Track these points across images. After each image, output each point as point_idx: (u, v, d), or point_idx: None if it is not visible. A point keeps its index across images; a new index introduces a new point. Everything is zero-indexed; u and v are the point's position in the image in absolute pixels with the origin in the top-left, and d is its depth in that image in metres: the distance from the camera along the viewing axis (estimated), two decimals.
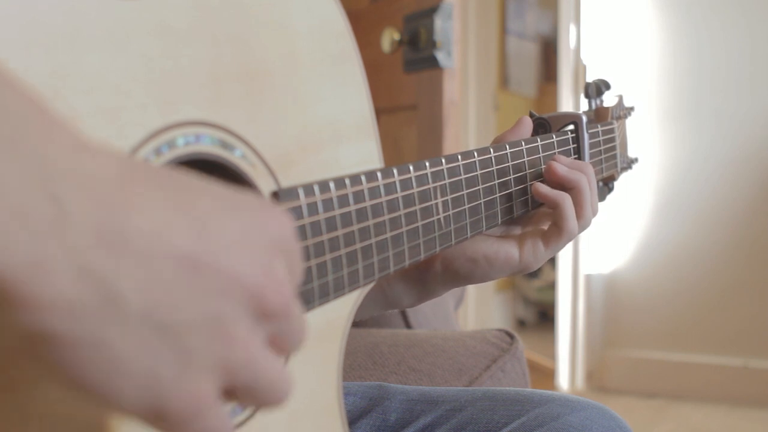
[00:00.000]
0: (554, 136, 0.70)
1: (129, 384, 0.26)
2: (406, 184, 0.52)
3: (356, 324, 0.67)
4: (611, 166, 0.82)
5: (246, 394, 0.30)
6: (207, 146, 0.40)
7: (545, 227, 0.66)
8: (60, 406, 0.31)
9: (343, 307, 0.50)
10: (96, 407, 0.28)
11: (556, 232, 0.64)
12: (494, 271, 0.64)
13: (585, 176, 0.65)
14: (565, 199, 0.63)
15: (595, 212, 0.66)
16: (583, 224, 0.65)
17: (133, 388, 0.26)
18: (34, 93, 0.26)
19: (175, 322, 0.27)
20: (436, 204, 0.55)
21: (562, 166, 0.64)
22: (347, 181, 0.46)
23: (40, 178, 0.24)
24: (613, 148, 0.82)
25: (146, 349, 0.26)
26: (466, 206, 0.58)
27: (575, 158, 0.72)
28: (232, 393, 0.30)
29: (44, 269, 0.24)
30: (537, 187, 0.64)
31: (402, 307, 0.68)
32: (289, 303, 0.30)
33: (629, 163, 0.89)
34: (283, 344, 0.31)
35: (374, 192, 0.48)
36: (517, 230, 0.67)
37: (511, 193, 0.64)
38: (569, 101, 2.75)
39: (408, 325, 1.23)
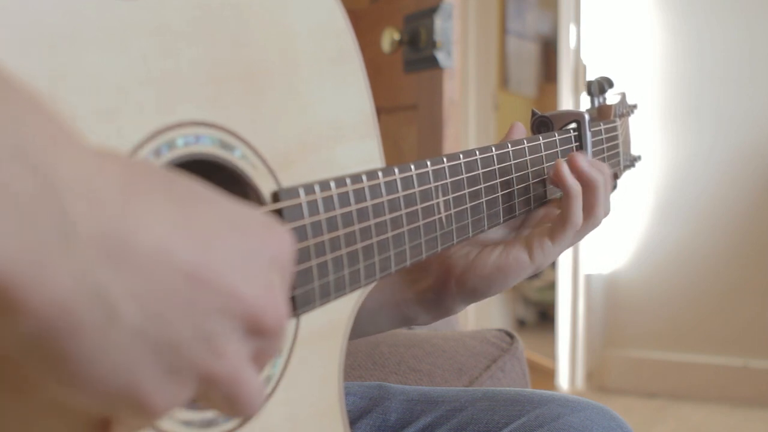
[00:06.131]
0: (556, 135, 0.69)
1: (103, 386, 0.26)
2: (407, 183, 0.51)
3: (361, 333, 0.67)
4: (614, 164, 0.82)
5: (221, 403, 0.30)
6: (207, 147, 0.40)
7: (549, 225, 0.65)
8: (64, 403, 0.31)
9: (345, 307, 0.50)
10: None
11: (561, 224, 0.63)
12: (510, 279, 0.64)
13: (603, 176, 0.64)
14: (579, 191, 0.63)
15: (606, 212, 0.66)
16: (593, 222, 0.64)
17: (107, 389, 0.26)
18: (38, 97, 0.26)
19: (167, 340, 0.27)
20: (438, 203, 0.55)
21: (585, 162, 0.63)
22: (348, 181, 0.46)
23: (47, 188, 0.25)
24: (616, 146, 0.82)
25: (131, 361, 0.26)
26: (468, 205, 0.58)
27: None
28: (204, 395, 0.30)
29: (47, 277, 0.24)
30: (560, 170, 0.62)
31: (420, 324, 0.68)
32: (284, 323, 0.31)
33: (632, 161, 0.88)
34: (263, 360, 0.32)
35: (375, 191, 0.48)
36: (524, 233, 0.67)
37: (513, 191, 0.64)
38: (569, 101, 2.75)
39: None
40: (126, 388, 0.27)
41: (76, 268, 0.25)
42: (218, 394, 0.30)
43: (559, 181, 0.63)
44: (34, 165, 0.24)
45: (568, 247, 0.65)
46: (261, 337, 0.30)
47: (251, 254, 0.30)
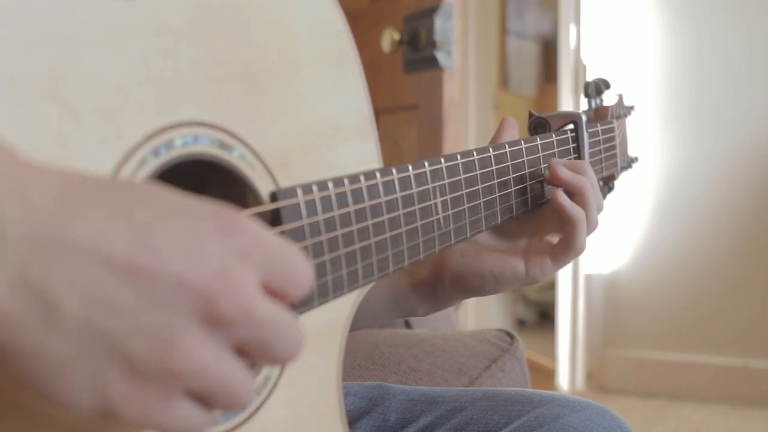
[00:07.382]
0: (554, 136, 0.70)
1: (76, 389, 0.26)
2: (405, 184, 0.51)
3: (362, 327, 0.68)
4: (611, 165, 0.82)
5: (203, 398, 0.29)
6: (205, 147, 0.40)
7: (552, 240, 0.65)
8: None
9: (343, 307, 0.50)
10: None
11: (566, 248, 0.64)
12: (503, 286, 0.65)
13: (587, 179, 0.64)
14: (582, 216, 0.63)
15: (600, 210, 0.66)
16: (590, 228, 0.65)
17: (82, 393, 0.26)
18: None
19: (115, 329, 0.26)
20: (435, 204, 0.55)
21: (566, 171, 0.63)
22: (346, 181, 0.46)
23: None
24: (613, 147, 0.82)
25: (88, 355, 0.26)
26: (466, 206, 0.58)
27: (575, 157, 0.72)
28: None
29: None
30: (559, 198, 0.62)
31: (417, 315, 0.69)
32: (248, 308, 0.29)
33: (629, 163, 0.89)
34: (261, 351, 0.30)
35: (373, 192, 0.48)
36: (523, 242, 0.67)
37: (510, 192, 0.64)
38: (569, 101, 2.75)
39: (408, 325, 1.23)
40: (90, 384, 0.26)
41: (9, 272, 0.25)
42: (193, 391, 0.28)
43: (560, 211, 0.63)
44: None
45: (567, 264, 0.66)
46: (226, 327, 0.28)
47: (198, 240, 0.28)
